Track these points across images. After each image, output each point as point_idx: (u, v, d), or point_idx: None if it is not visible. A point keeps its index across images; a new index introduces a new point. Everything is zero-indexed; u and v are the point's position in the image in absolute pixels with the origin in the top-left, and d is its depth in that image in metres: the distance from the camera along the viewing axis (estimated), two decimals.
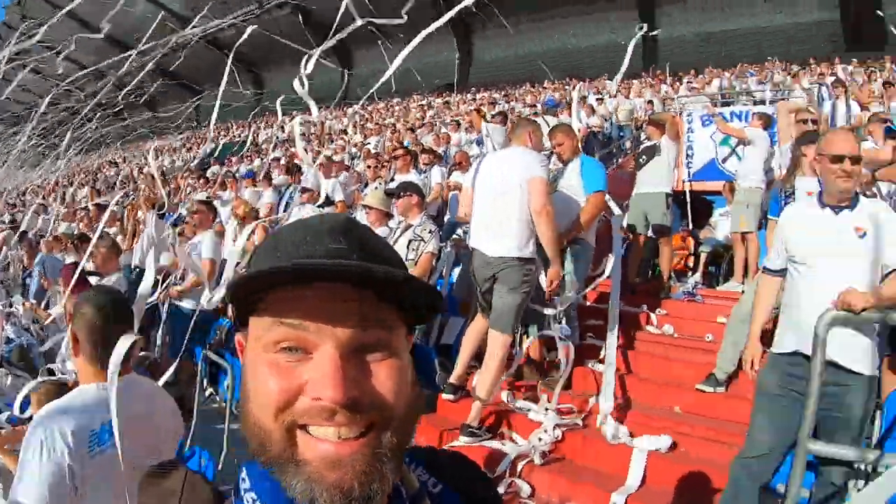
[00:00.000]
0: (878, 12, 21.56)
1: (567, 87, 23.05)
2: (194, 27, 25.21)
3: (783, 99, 11.76)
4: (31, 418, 2.52)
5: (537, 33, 31.81)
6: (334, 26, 5.86)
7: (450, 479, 0.92)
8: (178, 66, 44.57)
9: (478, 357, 5.30)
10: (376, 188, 8.34)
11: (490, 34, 33.62)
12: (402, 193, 6.04)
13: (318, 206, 7.20)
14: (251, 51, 45.37)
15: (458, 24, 32.98)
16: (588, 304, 7.20)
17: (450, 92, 28.58)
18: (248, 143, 22.30)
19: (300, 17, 30.96)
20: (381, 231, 5.93)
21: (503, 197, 4.83)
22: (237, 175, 15.28)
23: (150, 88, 38.28)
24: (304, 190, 9.01)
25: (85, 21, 52.10)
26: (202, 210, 7.24)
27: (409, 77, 32.91)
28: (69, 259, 7.82)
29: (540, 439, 4.86)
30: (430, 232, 5.81)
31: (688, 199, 10.02)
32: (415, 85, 30.92)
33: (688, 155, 10.24)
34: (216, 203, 9.37)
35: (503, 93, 26.04)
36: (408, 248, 5.64)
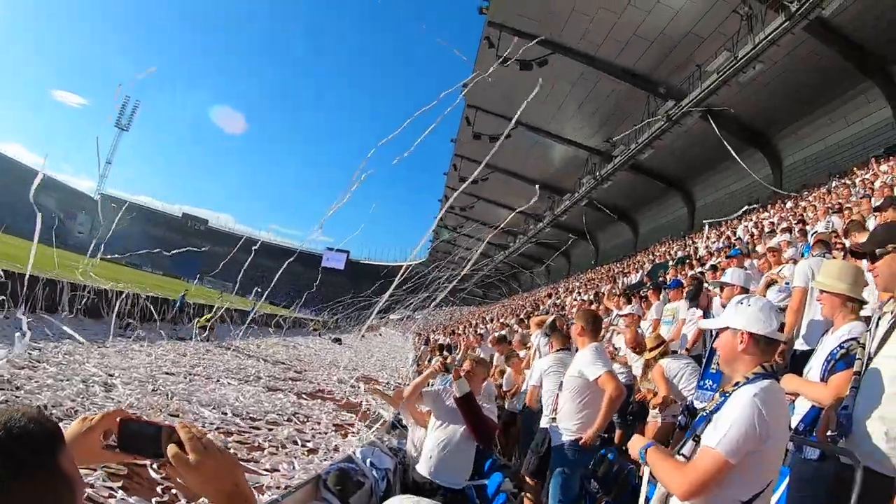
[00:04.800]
0: None
1: None
2: (613, 156, 38.72)
3: None
4: None
5: None
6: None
7: None
8: (607, 197, 34.91)
9: None
10: None
11: None
12: None
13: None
14: (674, 167, 45.98)
15: (876, 71, 30.43)
16: None
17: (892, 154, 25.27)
18: (683, 260, 20.93)
19: (710, 120, 31.50)
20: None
21: None
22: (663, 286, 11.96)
23: (585, 222, 43.50)
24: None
25: (514, 173, 55.89)
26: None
27: (845, 151, 34.37)
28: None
29: None
30: None
31: None
32: (853, 158, 30.91)
33: None
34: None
35: None
36: None
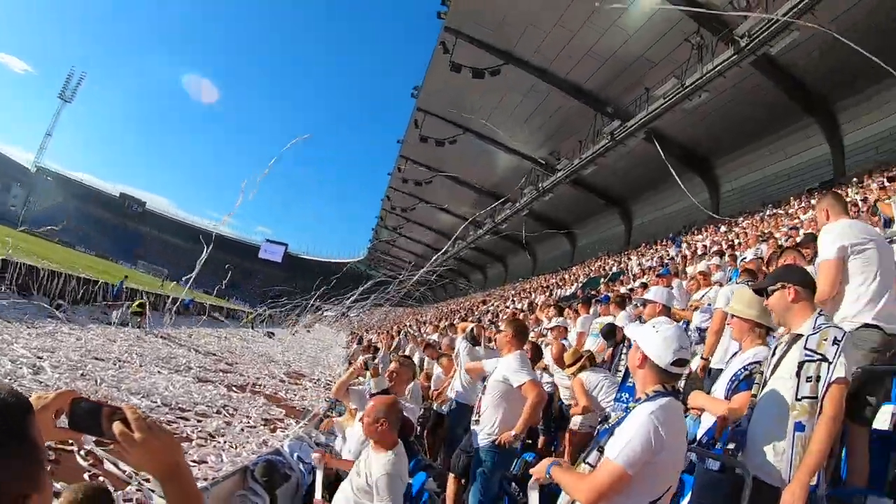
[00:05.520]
0: None
1: None
2: (557, 169, 38.56)
3: None
4: None
5: None
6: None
7: None
8: (548, 209, 36.37)
9: None
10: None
11: (857, 111, 30.41)
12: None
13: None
14: (615, 185, 46.94)
15: (818, 110, 31.79)
16: None
17: (828, 190, 33.08)
18: (619, 274, 22.95)
19: (655, 142, 31.72)
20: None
21: None
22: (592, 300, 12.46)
23: (524, 232, 44.93)
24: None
25: (458, 178, 54.62)
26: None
27: (781, 183, 35.50)
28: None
29: None
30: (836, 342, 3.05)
31: None
32: (788, 191, 32.12)
33: None
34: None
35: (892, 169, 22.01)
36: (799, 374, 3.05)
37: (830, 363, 2.99)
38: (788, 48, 25.27)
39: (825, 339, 3.06)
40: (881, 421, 4.76)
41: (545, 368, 7.90)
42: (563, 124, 41.89)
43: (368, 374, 6.18)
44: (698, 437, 3.78)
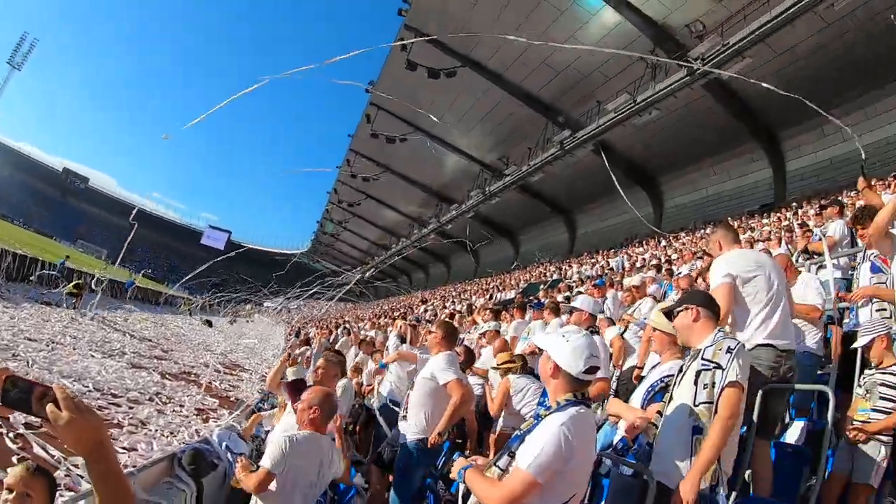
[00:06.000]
0: None
1: None
2: (505, 174, 38.98)
3: None
4: None
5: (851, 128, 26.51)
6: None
7: None
8: (494, 213, 37.48)
9: None
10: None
11: (801, 140, 31.69)
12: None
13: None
14: (561, 193, 47.96)
15: (764, 136, 33.00)
16: None
17: (767, 213, 26.77)
18: (558, 281, 22.75)
19: (602, 154, 30.78)
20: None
21: None
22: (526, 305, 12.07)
23: (469, 234, 45.62)
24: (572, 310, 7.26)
25: (406, 177, 56.74)
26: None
27: (723, 203, 36.62)
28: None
29: None
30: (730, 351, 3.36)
31: None
32: (729, 211, 33.31)
33: None
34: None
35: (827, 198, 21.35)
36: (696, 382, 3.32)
37: (724, 370, 3.22)
38: (739, 73, 26.01)
39: (720, 349, 3.31)
40: (793, 437, 5.19)
41: (473, 370, 7.98)
42: (514, 131, 42.41)
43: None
44: (614, 444, 3.99)
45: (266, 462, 3.74)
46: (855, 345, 4.96)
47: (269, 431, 6.46)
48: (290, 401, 5.33)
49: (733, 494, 3.97)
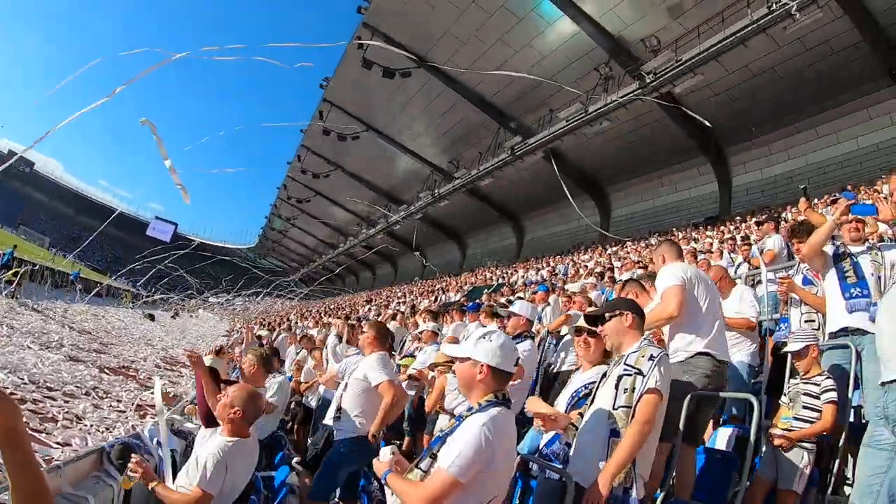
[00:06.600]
0: None
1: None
2: (454, 177, 38.91)
3: None
4: None
5: (795, 148, 30.20)
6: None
7: None
8: (442, 215, 38.35)
9: None
10: None
11: (748, 156, 32.83)
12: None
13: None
14: (510, 199, 48.62)
15: (712, 151, 33.86)
16: None
17: (712, 225, 27.27)
18: (502, 285, 23.02)
19: (553, 162, 31.97)
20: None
21: None
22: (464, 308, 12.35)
23: (416, 236, 45.87)
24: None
25: (357, 175, 57.07)
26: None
27: (669, 214, 37.16)
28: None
29: None
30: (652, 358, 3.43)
31: None
32: (675, 222, 34.04)
33: None
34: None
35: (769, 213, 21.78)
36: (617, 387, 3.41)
37: (644, 376, 3.34)
38: (691, 89, 26.89)
39: (643, 356, 3.43)
40: (722, 442, 5.40)
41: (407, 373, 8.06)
42: (466, 134, 42.64)
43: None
44: (540, 448, 4.04)
45: (204, 483, 3.70)
46: (785, 349, 5.17)
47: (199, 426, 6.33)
48: (198, 386, 5.33)
49: (660, 496, 4.20)
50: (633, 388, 3.35)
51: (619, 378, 3.44)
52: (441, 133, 44.49)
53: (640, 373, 3.38)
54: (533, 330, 6.93)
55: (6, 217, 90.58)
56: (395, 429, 7.63)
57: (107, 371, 11.51)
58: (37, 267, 20.88)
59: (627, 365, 3.46)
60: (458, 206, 48.45)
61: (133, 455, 4.06)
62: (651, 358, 3.41)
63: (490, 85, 36.52)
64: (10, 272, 20.44)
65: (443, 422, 6.55)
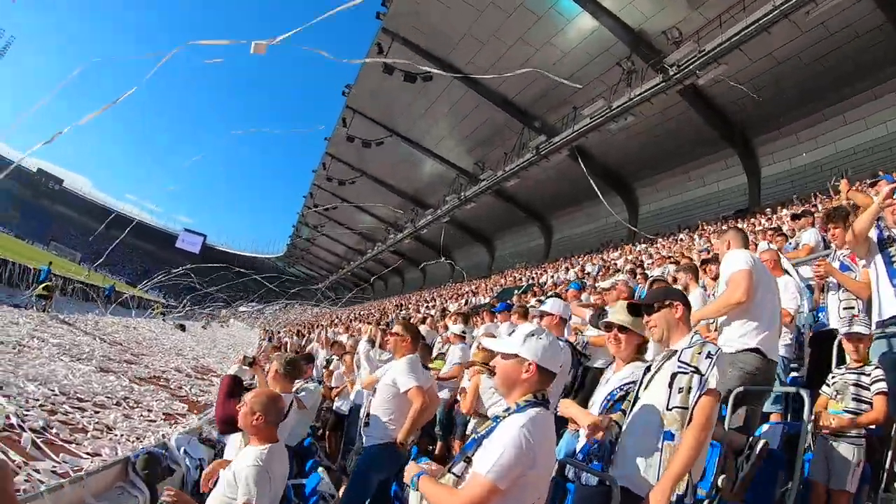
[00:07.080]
0: None
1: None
2: (480, 179, 39.34)
3: None
4: None
5: (823, 136, 29.63)
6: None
7: None
8: (469, 218, 37.80)
9: None
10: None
11: (776, 146, 32.17)
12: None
13: None
14: (537, 198, 48.09)
15: (738, 142, 33.33)
16: None
17: (742, 218, 26.88)
18: (531, 286, 22.77)
19: (579, 159, 32.45)
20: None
21: None
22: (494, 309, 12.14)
23: (443, 239, 45.61)
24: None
25: (382, 181, 57.19)
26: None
27: (698, 209, 36.63)
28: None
29: None
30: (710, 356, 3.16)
31: None
32: (704, 216, 33.14)
33: None
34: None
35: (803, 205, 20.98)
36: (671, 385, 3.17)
37: (703, 375, 3.08)
38: (714, 80, 26.46)
39: (699, 353, 3.16)
40: (770, 441, 4.99)
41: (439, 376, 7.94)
42: (491, 135, 42.60)
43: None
44: (577, 451, 3.85)
45: (252, 497, 3.54)
46: (846, 331, 5.09)
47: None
48: (220, 392, 5.38)
49: (706, 501, 3.93)
50: (690, 388, 3.10)
51: (674, 376, 3.19)
52: (465, 135, 44.48)
53: (697, 371, 3.13)
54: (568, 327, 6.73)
55: (38, 234, 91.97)
56: (426, 433, 7.51)
57: (137, 381, 11.52)
58: (70, 283, 21.02)
59: (682, 362, 3.21)
60: (484, 208, 48.33)
61: (168, 489, 3.85)
62: (709, 356, 3.15)
63: (512, 85, 36.35)
64: (41, 286, 20.69)
65: (473, 424, 6.38)
